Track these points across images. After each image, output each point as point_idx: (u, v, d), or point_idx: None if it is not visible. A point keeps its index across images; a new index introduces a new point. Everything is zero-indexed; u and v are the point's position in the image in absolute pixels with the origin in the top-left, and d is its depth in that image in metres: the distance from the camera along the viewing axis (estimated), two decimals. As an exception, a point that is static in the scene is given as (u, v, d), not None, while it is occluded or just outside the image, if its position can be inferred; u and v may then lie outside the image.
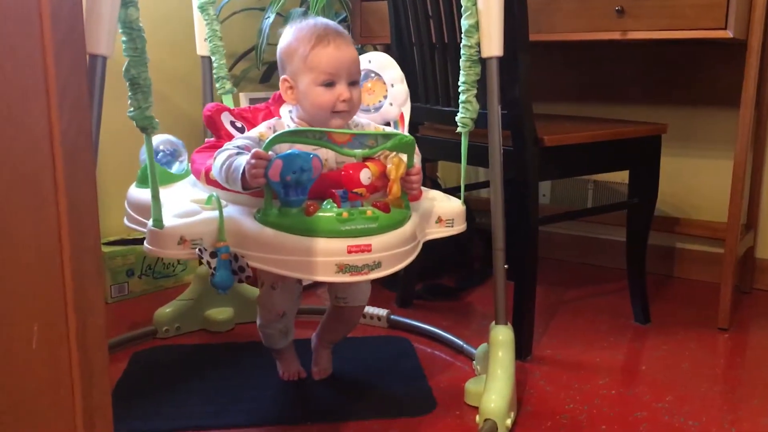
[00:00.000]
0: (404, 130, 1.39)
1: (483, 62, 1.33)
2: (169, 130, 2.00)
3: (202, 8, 1.64)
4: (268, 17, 2.11)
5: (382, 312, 1.79)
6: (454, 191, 1.41)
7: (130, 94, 1.07)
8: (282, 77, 1.24)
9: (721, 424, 1.34)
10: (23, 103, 0.55)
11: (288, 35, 1.24)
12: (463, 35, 1.32)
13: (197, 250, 1.08)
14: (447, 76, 1.60)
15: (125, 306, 1.93)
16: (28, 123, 0.56)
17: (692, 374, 1.55)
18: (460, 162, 1.38)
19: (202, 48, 1.68)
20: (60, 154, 0.58)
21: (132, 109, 1.08)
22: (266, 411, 1.37)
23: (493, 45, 1.30)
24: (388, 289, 1.98)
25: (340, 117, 1.21)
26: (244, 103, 2.11)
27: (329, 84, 1.19)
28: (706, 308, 1.92)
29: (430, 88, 1.68)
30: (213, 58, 1.66)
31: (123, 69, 1.06)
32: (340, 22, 2.34)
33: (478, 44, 1.31)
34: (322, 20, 1.24)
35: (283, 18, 2.14)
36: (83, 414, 0.65)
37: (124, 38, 1.06)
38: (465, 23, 1.30)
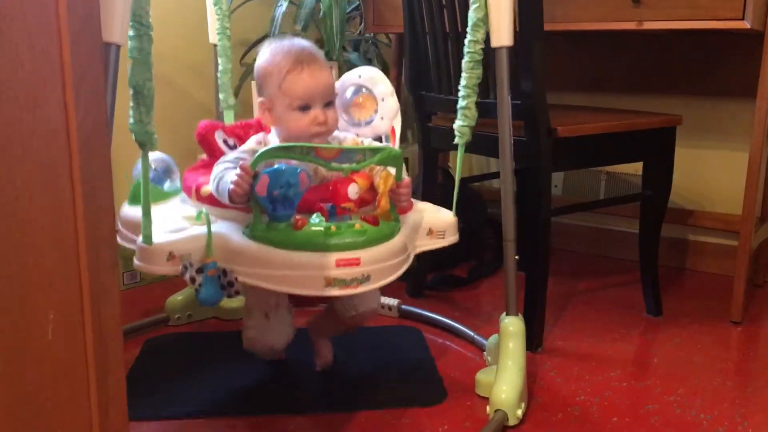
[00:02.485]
0: (395, 144, 1.40)
1: (486, 60, 1.33)
2: (182, 120, 2.00)
3: (216, 1, 1.64)
4: (281, 5, 2.10)
5: (393, 302, 1.79)
6: (465, 181, 1.41)
7: (132, 104, 1.06)
8: (259, 100, 1.28)
9: (734, 417, 1.33)
10: (41, 92, 0.55)
11: (263, 57, 1.27)
12: (469, 29, 1.31)
13: (181, 266, 1.09)
14: (460, 65, 1.58)
15: (137, 293, 1.94)
16: (45, 112, 0.56)
17: (704, 367, 1.54)
18: (472, 153, 1.38)
19: (214, 36, 1.68)
20: (76, 144, 0.58)
21: (133, 121, 1.07)
22: (277, 399, 1.37)
23: (503, 35, 1.29)
24: (399, 279, 1.97)
25: (318, 138, 1.23)
26: (255, 92, 2.10)
27: (304, 108, 1.22)
28: (718, 301, 1.91)
29: (443, 77, 1.67)
30: (219, 61, 1.66)
31: (128, 74, 1.05)
32: (352, 11, 2.33)
33: (484, 40, 1.31)
34: (298, 43, 1.26)
35: (296, 6, 2.14)
36: (98, 401, 0.65)
37: (131, 33, 1.05)
38: (473, 16, 1.30)
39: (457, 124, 1.37)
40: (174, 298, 1.74)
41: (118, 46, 1.05)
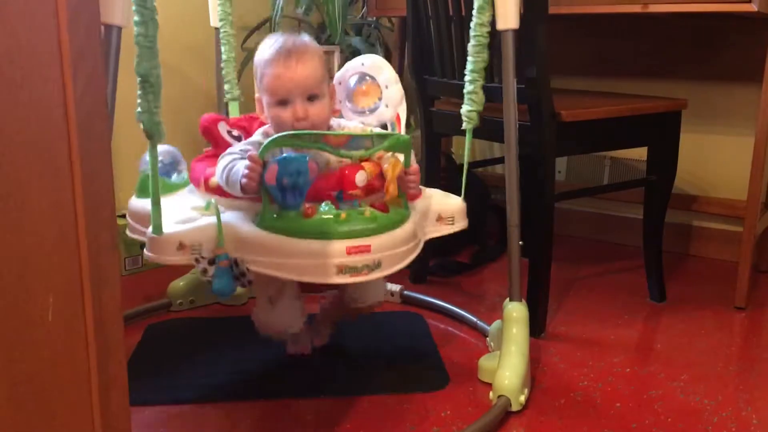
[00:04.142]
0: (401, 131, 1.39)
1: (492, 44, 1.31)
2: (182, 104, 1.99)
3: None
4: (283, -11, 2.08)
5: (396, 287, 1.79)
6: (468, 166, 1.40)
7: (140, 92, 1.05)
8: (256, 96, 1.29)
9: (737, 403, 1.33)
10: (37, 69, 0.54)
11: (258, 52, 1.27)
12: (474, 11, 1.30)
13: (194, 259, 1.08)
14: (463, 49, 1.57)
15: (139, 278, 1.94)
16: (41, 90, 0.55)
17: (708, 353, 1.54)
18: (476, 138, 1.37)
19: (216, 19, 1.67)
20: (74, 124, 0.57)
21: (141, 110, 1.05)
22: (279, 384, 1.37)
23: (509, 17, 1.28)
24: (402, 264, 1.97)
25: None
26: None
27: (283, 102, 1.22)
28: (723, 287, 1.90)
29: (446, 61, 1.65)
30: (222, 49, 1.65)
31: (134, 63, 1.04)
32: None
33: (490, 23, 1.30)
34: (287, 38, 1.25)
35: (298, -10, 2.12)
36: (99, 386, 0.65)
37: (136, 18, 1.04)
38: None
39: (465, 109, 1.36)
40: (176, 283, 1.73)
41: (120, 28, 1.04)
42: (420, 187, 1.27)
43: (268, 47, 1.24)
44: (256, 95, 1.29)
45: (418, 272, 1.93)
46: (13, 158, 0.54)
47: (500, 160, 2.11)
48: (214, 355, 1.48)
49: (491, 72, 1.45)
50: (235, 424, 1.25)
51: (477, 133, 1.42)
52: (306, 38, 1.27)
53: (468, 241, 2.18)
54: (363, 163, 1.15)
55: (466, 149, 1.37)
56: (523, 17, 1.32)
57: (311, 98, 1.23)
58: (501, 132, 1.35)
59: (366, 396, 1.33)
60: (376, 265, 1.09)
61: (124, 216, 1.95)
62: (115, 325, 0.65)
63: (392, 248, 1.11)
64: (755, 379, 1.43)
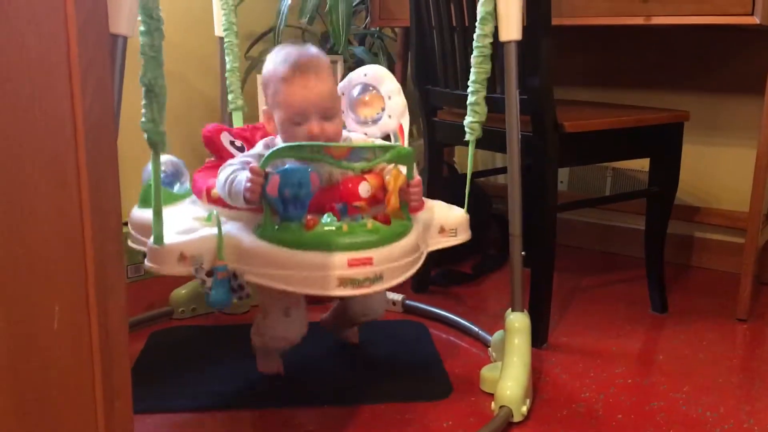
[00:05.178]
0: (404, 142, 1.39)
1: (494, 54, 1.32)
2: (186, 112, 2.00)
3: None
4: (287, -2, 2.09)
5: (398, 297, 1.79)
6: (472, 176, 1.40)
7: (144, 102, 1.05)
8: (263, 109, 1.27)
9: (740, 415, 1.33)
10: (47, 81, 0.55)
11: (266, 65, 1.25)
12: (477, 23, 1.30)
13: (193, 269, 1.08)
14: (467, 59, 1.58)
15: (142, 286, 1.94)
16: (51, 102, 0.55)
17: (710, 365, 1.54)
18: (478, 148, 1.38)
19: (220, 29, 1.68)
20: (82, 135, 0.57)
21: (145, 120, 1.06)
22: (281, 393, 1.37)
23: (511, 29, 1.28)
24: (404, 273, 1.97)
25: None
26: (260, 85, 2.10)
27: (298, 121, 1.20)
28: (724, 299, 1.90)
29: (449, 71, 1.66)
30: (227, 59, 1.66)
31: (140, 73, 1.04)
32: (358, 4, 2.32)
33: (492, 34, 1.30)
34: (300, 50, 1.23)
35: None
36: (103, 393, 0.65)
37: (142, 28, 1.04)
38: (481, 9, 1.29)
39: (468, 120, 1.36)
40: (178, 291, 1.74)
41: (125, 38, 1.05)
42: (423, 198, 1.26)
43: (281, 61, 1.21)
44: (264, 108, 1.28)
45: (420, 282, 1.93)
46: (22, 168, 0.54)
47: (502, 170, 2.11)
48: (217, 364, 1.48)
49: (494, 82, 1.45)
50: (237, 433, 1.25)
51: (479, 143, 1.43)
52: (317, 51, 1.25)
53: (470, 251, 2.18)
54: (365, 175, 1.15)
55: (469, 161, 1.38)
56: (526, 29, 1.33)
57: (326, 116, 1.21)
58: (503, 142, 1.35)
59: (368, 405, 1.33)
60: (378, 278, 1.08)
61: (126, 224, 1.96)
62: (120, 334, 0.66)
63: (394, 261, 1.10)
64: (757, 391, 1.43)
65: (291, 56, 1.21)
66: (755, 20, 1.55)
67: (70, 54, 0.56)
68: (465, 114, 1.38)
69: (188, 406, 1.32)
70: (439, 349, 1.57)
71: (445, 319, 1.72)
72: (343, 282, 1.06)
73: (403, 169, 1.16)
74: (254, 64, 2.22)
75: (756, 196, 1.74)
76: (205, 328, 1.68)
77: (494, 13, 1.29)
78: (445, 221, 1.30)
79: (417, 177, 1.18)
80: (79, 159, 0.58)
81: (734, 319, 1.78)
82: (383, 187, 1.16)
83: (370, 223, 1.10)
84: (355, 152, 1.11)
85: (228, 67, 1.67)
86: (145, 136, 1.06)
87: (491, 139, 1.47)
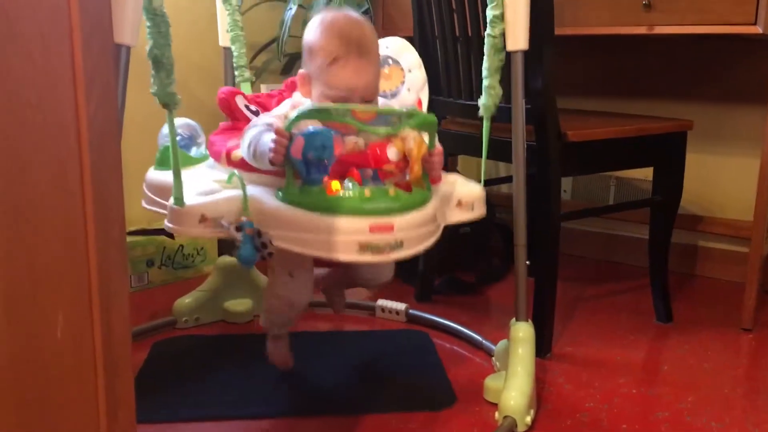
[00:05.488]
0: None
1: (507, 54, 1.31)
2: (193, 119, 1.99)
3: (227, 5, 1.64)
4: (291, 9, 2.10)
5: (401, 306, 1.78)
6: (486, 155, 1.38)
7: (153, 72, 1.07)
8: (301, 71, 1.23)
9: (744, 425, 1.32)
10: (51, 91, 0.55)
11: (313, 30, 1.20)
12: (487, 25, 1.31)
13: (224, 222, 1.07)
14: (470, 69, 1.59)
15: (145, 296, 1.94)
16: (56, 111, 0.56)
17: (715, 375, 1.53)
18: (480, 157, 1.37)
19: (225, 39, 1.68)
20: (87, 144, 0.58)
21: (155, 86, 1.08)
22: (284, 402, 1.37)
23: (518, 38, 1.28)
24: (407, 283, 1.97)
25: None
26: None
27: (340, 101, 1.17)
28: (729, 308, 1.89)
29: (453, 81, 1.66)
30: (233, 47, 1.66)
31: (147, 50, 1.06)
32: (361, 15, 2.33)
33: (502, 34, 1.30)
34: (354, 26, 1.18)
35: (305, 10, 2.14)
36: (106, 403, 0.65)
37: (148, 23, 1.07)
38: (490, 13, 1.29)
39: (482, 101, 1.33)
40: (181, 301, 1.74)
41: (128, 48, 1.06)
42: (442, 171, 1.24)
43: (335, 34, 1.16)
44: (302, 70, 1.23)
45: (423, 291, 1.92)
46: (26, 176, 0.55)
47: (506, 180, 2.11)
48: (220, 373, 1.48)
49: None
50: (240, 443, 1.25)
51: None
52: (368, 25, 1.21)
53: (473, 260, 2.18)
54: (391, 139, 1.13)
55: (484, 138, 1.34)
56: (530, 38, 1.33)
57: (368, 99, 1.19)
58: (507, 152, 1.35)
59: (371, 414, 1.32)
60: (398, 245, 1.06)
61: (128, 233, 1.96)
62: (123, 344, 0.65)
63: (414, 228, 1.08)
64: (763, 401, 1.42)
65: (345, 32, 1.17)
66: (758, 30, 1.55)
67: (75, 63, 0.56)
68: (469, 123, 1.37)
69: (192, 415, 1.31)
70: (442, 358, 1.57)
71: (449, 328, 1.71)
72: (364, 247, 1.04)
73: (426, 138, 1.14)
74: (258, 74, 2.23)
75: (760, 204, 1.73)
76: (208, 338, 1.68)
77: (502, 17, 1.28)
78: (463, 195, 1.28)
79: (439, 146, 1.16)
80: (84, 167, 0.58)
81: (739, 329, 1.77)
82: (405, 155, 1.15)
83: (392, 189, 1.08)
84: (381, 116, 1.10)
85: (235, 53, 1.64)
86: (156, 100, 1.07)
87: (495, 148, 1.47)
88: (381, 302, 1.79)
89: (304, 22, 2.09)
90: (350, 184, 1.07)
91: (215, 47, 1.72)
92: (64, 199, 0.58)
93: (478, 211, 1.31)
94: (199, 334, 1.69)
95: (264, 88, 2.11)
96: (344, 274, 1.45)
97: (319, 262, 1.32)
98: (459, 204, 1.27)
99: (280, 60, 2.22)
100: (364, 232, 1.04)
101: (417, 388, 1.43)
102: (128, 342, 0.68)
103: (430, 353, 1.59)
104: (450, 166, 2.22)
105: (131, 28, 1.04)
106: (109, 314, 0.63)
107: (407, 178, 1.14)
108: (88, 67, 0.58)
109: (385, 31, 2.16)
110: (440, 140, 1.76)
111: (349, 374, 1.49)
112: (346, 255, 1.05)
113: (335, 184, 1.06)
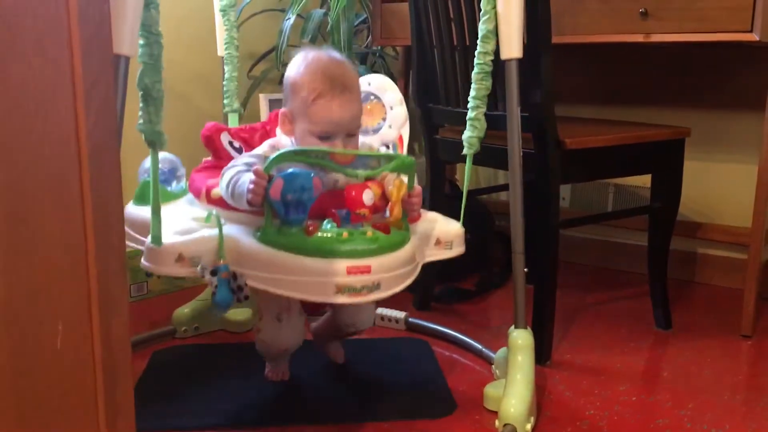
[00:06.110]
0: (403, 153, 1.40)
1: (495, 72, 1.33)
2: (189, 130, 2.00)
3: (224, 11, 1.65)
4: (289, 18, 2.11)
5: (400, 314, 1.78)
6: (472, 193, 1.41)
7: (141, 105, 1.06)
8: (282, 110, 1.24)
9: (745, 431, 1.32)
10: (51, 101, 0.55)
11: (296, 67, 1.22)
12: (479, 40, 1.32)
13: (198, 268, 1.08)
14: (467, 78, 1.59)
15: (144, 305, 1.94)
16: (55, 121, 0.56)
17: (715, 381, 1.53)
18: (480, 165, 1.38)
19: (224, 49, 1.69)
20: (86, 154, 0.58)
21: (142, 121, 1.07)
22: (284, 411, 1.36)
23: (512, 47, 1.29)
24: (407, 291, 1.96)
25: None
26: (263, 104, 2.11)
27: (324, 137, 1.19)
28: (728, 315, 1.89)
29: (451, 90, 1.67)
30: (225, 69, 1.67)
31: (137, 77, 1.06)
32: (360, 24, 2.34)
33: (494, 51, 1.31)
34: (336, 62, 1.21)
35: (304, 19, 2.15)
36: (106, 412, 0.65)
37: (141, 42, 1.06)
38: (483, 27, 1.30)
39: (466, 135, 1.37)
40: (181, 310, 1.74)
41: (128, 58, 1.06)
42: (421, 209, 1.26)
43: (318, 72, 1.19)
44: (283, 109, 1.24)
45: (422, 299, 1.92)
46: (26, 186, 0.55)
47: (504, 187, 2.12)
48: (220, 382, 1.48)
49: (495, 100, 1.46)
50: (240, 453, 1.25)
51: (481, 160, 1.43)
52: (349, 64, 1.23)
53: (472, 268, 2.18)
54: (368, 183, 1.15)
55: (466, 175, 1.38)
56: (527, 46, 1.34)
57: (351, 134, 1.21)
58: (505, 159, 1.36)
59: (371, 423, 1.32)
60: (376, 286, 1.08)
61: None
62: (123, 353, 0.66)
63: (392, 270, 1.10)
64: (762, 408, 1.42)
65: (329, 70, 1.19)
66: (755, 37, 1.56)
67: (75, 73, 0.57)
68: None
69: (191, 425, 1.31)
70: (442, 366, 1.56)
71: (448, 336, 1.71)
72: (341, 289, 1.05)
73: (405, 179, 1.16)
74: (256, 84, 2.24)
75: (758, 211, 1.74)
76: (207, 347, 1.67)
77: (495, 32, 1.30)
78: (442, 234, 1.30)
79: (418, 187, 1.18)
80: (83, 177, 0.59)
81: (738, 336, 1.77)
82: (383, 196, 1.16)
83: (369, 231, 1.09)
84: (360, 159, 1.11)
85: (227, 76, 1.67)
86: (143, 136, 1.06)
87: (493, 156, 1.47)
88: (381, 311, 1.79)
89: (303, 31, 2.11)
90: (328, 226, 1.08)
91: (215, 56, 1.72)
92: (63, 208, 0.58)
93: (457, 249, 1.33)
94: (199, 344, 1.69)
95: (263, 98, 2.12)
96: (332, 321, 1.46)
97: (306, 306, 1.33)
98: (438, 242, 1.29)
99: (279, 69, 2.22)
100: (341, 274, 1.05)
101: (417, 396, 1.43)
102: (128, 351, 0.68)
103: (429, 361, 1.59)
104: (448, 174, 2.23)
105: (131, 38, 1.04)
106: (109, 323, 0.63)
107: (387, 217, 1.16)
108: (88, 78, 0.58)
109: (383, 39, 2.17)
110: (438, 148, 1.77)
111: (348, 382, 1.49)
112: (323, 296, 1.06)
113: (313, 225, 1.07)
